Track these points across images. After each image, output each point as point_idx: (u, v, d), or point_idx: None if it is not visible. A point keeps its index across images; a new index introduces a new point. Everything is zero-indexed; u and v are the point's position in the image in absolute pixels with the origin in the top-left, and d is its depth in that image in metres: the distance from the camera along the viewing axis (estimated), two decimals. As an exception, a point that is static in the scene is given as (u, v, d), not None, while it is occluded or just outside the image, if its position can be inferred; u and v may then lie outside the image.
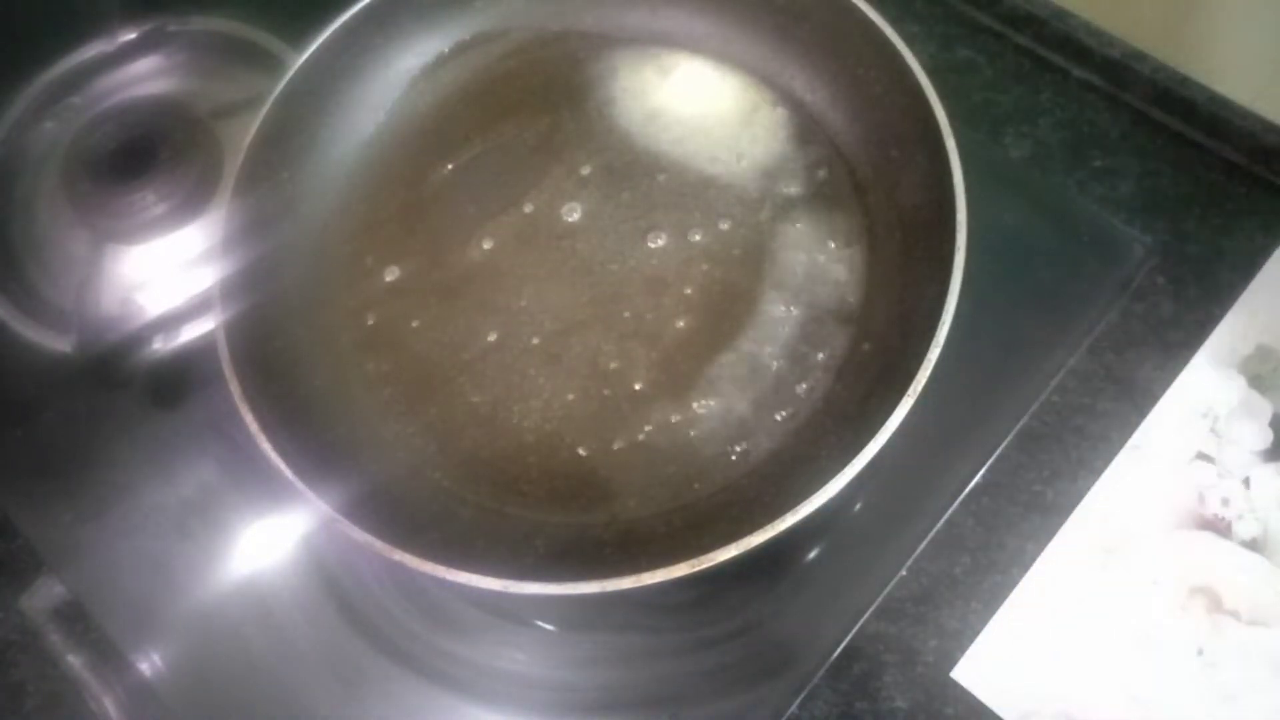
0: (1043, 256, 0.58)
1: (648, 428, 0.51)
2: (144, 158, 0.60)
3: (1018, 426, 0.53)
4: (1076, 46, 0.62)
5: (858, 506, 0.53)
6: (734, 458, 0.50)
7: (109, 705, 0.51)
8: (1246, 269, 0.56)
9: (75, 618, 0.54)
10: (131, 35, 0.68)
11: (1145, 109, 0.61)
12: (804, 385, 0.51)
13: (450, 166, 0.60)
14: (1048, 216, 0.59)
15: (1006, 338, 0.56)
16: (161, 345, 0.57)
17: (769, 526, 0.42)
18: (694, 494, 0.49)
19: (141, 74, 0.69)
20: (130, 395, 0.59)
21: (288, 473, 0.45)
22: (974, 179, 0.48)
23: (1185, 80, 0.60)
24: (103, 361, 0.57)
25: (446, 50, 0.62)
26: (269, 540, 0.55)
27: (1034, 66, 0.63)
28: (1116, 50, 0.61)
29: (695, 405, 0.51)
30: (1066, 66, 0.63)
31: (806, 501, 0.42)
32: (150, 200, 0.59)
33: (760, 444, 0.50)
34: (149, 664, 0.53)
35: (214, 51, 0.68)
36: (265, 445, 0.46)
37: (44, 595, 0.54)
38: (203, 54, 0.69)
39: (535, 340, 0.54)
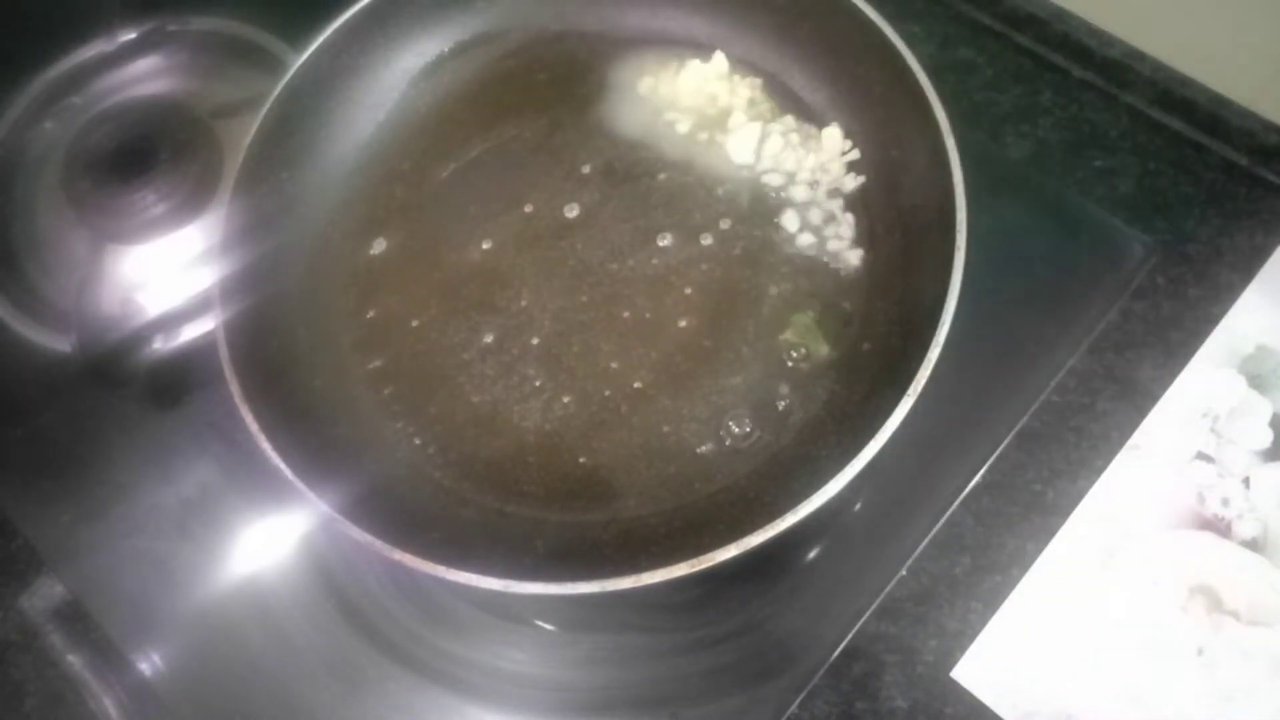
0: (1043, 256, 0.58)
1: (648, 428, 0.51)
2: (144, 158, 0.60)
3: (1018, 426, 0.53)
4: (1076, 46, 0.62)
5: (858, 506, 0.53)
6: (734, 457, 0.50)
7: (109, 705, 0.51)
8: (1246, 269, 0.56)
9: (75, 618, 0.54)
10: (131, 35, 0.68)
11: (1145, 109, 0.61)
12: (804, 385, 0.51)
13: (450, 167, 0.60)
14: (1048, 216, 0.59)
15: (1006, 338, 0.56)
16: (161, 345, 0.57)
17: (769, 526, 0.42)
18: (694, 494, 0.49)
19: (141, 74, 0.69)
20: (130, 395, 0.59)
21: (288, 473, 0.45)
22: (974, 179, 0.48)
23: (1185, 80, 0.60)
24: (103, 361, 0.57)
25: (446, 50, 0.62)
26: (269, 540, 0.55)
27: (1034, 66, 0.64)
28: (1116, 50, 0.62)
29: (695, 405, 0.51)
30: (1066, 66, 0.63)
31: (806, 501, 0.42)
32: (150, 200, 0.59)
33: (760, 444, 0.50)
34: (149, 664, 0.53)
35: (214, 51, 0.68)
36: (265, 445, 0.46)
37: (44, 595, 0.55)
38: (203, 54, 0.69)
39: (535, 340, 0.54)
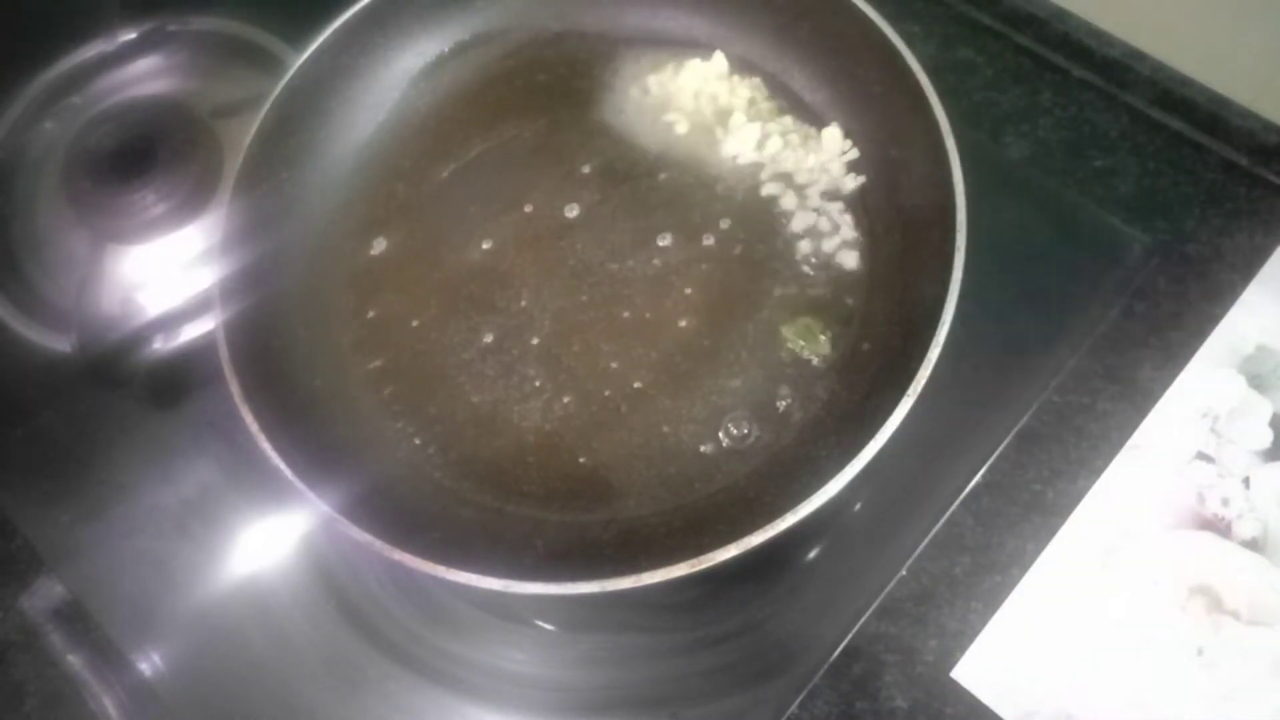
0: (1043, 256, 0.58)
1: (648, 428, 0.51)
2: (144, 158, 0.60)
3: (1018, 426, 0.53)
4: (1076, 46, 0.62)
5: (858, 506, 0.53)
6: (734, 458, 0.50)
7: (109, 705, 0.51)
8: (1246, 269, 0.56)
9: (75, 618, 0.54)
10: (131, 35, 0.68)
11: (1145, 109, 0.61)
12: (804, 385, 0.51)
13: (450, 167, 0.60)
14: (1048, 216, 0.59)
15: (1006, 338, 0.56)
16: (161, 345, 0.57)
17: (769, 526, 0.42)
18: (694, 494, 0.49)
19: (141, 74, 0.69)
20: (130, 395, 0.59)
21: (288, 473, 0.45)
22: (974, 179, 0.48)
23: (1185, 80, 0.60)
24: (103, 361, 0.57)
25: (446, 50, 0.62)
26: (269, 540, 0.55)
27: (1034, 66, 0.63)
28: (1116, 50, 0.62)
29: (695, 405, 0.51)
30: (1066, 66, 0.63)
31: (806, 501, 0.42)
32: (150, 200, 0.59)
33: (760, 444, 0.50)
34: (149, 664, 0.53)
35: (214, 51, 0.68)
36: (265, 445, 0.46)
37: (44, 595, 0.55)
38: (203, 54, 0.69)
39: (535, 340, 0.54)
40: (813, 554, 0.53)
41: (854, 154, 0.56)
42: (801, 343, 0.52)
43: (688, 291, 0.54)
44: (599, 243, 0.56)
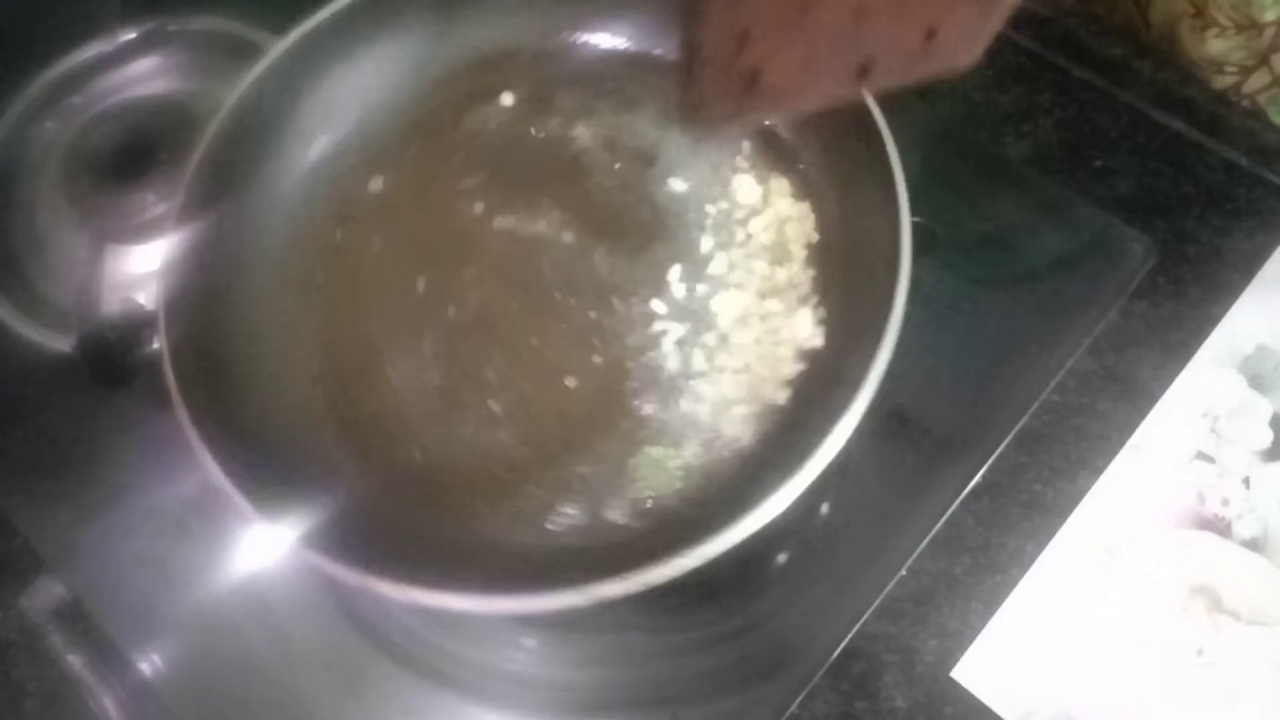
0: (1042, 256, 0.58)
1: (630, 432, 0.51)
2: (144, 158, 0.60)
3: (1018, 426, 0.53)
4: (1076, 46, 0.62)
5: (857, 506, 0.53)
6: (720, 460, 0.50)
7: (109, 705, 0.51)
8: (1246, 269, 0.56)
9: (75, 618, 0.54)
10: (131, 35, 0.68)
11: (1145, 109, 0.61)
12: (788, 384, 0.51)
13: (440, 168, 0.59)
14: (1048, 216, 0.59)
15: (1006, 338, 0.56)
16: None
17: (753, 523, 0.41)
18: (680, 497, 0.49)
19: (141, 74, 0.69)
20: (130, 395, 0.59)
21: (246, 505, 0.44)
22: (974, 179, 0.48)
23: (1185, 80, 0.60)
24: (103, 361, 0.57)
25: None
26: (269, 540, 0.55)
27: (1034, 66, 0.63)
28: (1116, 50, 0.62)
29: (683, 406, 0.51)
30: (1066, 66, 0.63)
31: (775, 499, 0.41)
32: (150, 200, 0.59)
33: (753, 442, 0.50)
34: (149, 664, 0.53)
35: (214, 51, 0.68)
36: (221, 479, 0.45)
37: (44, 595, 0.55)
38: (203, 54, 0.69)
39: (527, 344, 0.53)
40: (812, 554, 0.53)
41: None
42: (782, 343, 0.52)
43: (680, 294, 0.54)
44: (590, 245, 0.56)
